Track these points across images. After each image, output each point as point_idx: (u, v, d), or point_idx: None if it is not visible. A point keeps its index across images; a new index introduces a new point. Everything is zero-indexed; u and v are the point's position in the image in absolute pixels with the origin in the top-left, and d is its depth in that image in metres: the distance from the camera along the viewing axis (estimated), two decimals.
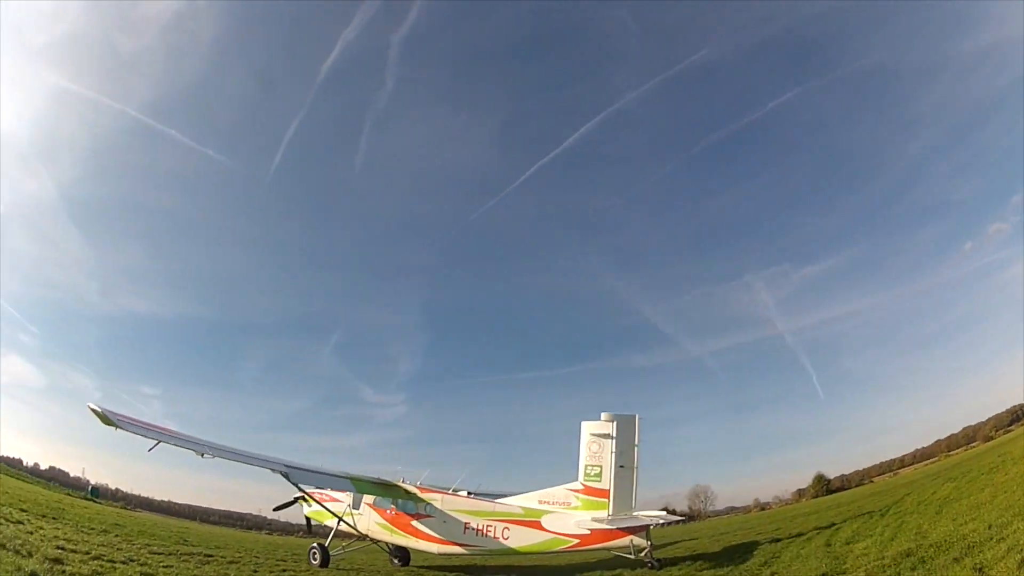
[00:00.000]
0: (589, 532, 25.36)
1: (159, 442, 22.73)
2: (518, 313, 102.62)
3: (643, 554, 25.30)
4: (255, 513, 53.94)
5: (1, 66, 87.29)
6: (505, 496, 29.07)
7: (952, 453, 73.85)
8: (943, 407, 79.13)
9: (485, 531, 27.40)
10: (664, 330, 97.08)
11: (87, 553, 22.15)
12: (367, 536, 30.78)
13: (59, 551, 20.92)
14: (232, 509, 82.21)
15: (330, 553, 28.89)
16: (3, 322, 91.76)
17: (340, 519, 30.42)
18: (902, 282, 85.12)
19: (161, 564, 23.32)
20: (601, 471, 26.37)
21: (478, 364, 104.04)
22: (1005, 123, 78.60)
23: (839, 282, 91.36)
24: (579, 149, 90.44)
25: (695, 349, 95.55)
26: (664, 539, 42.22)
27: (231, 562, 28.13)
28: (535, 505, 27.46)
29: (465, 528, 27.92)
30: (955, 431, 79.86)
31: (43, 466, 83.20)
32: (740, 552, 27.46)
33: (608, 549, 26.08)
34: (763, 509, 74.98)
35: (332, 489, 30.79)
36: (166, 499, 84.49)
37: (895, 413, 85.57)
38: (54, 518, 32.80)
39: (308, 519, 33.68)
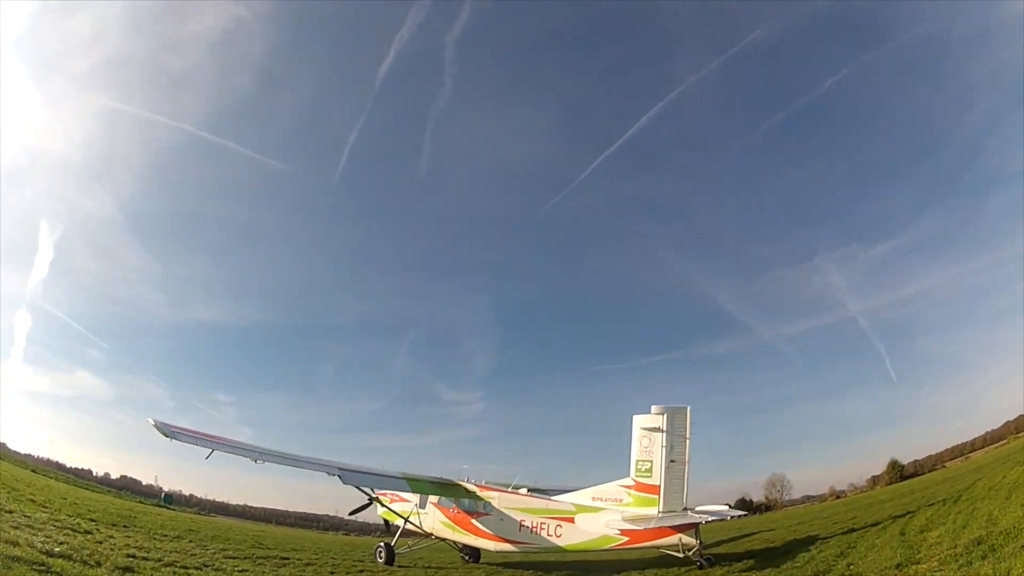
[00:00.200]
0: (638, 529, 25.08)
1: (213, 451, 24.61)
2: (591, 306, 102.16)
3: (692, 552, 24.86)
4: (332, 514, 53.28)
5: (45, 91, 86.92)
6: (567, 491, 29.07)
7: (1021, 435, 72.13)
8: (1014, 386, 75.64)
9: (538, 529, 27.79)
10: (737, 317, 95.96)
11: (159, 560, 21.90)
12: (432, 534, 32.00)
13: (130, 559, 20.62)
14: (309, 511, 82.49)
15: (396, 552, 30.18)
16: (72, 339, 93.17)
17: (406, 519, 31.72)
18: (972, 256, 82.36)
19: (236, 568, 23.35)
20: (652, 466, 26.00)
21: (553, 359, 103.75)
22: None
23: (909, 260, 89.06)
24: (643, 137, 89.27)
25: (768, 335, 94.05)
26: (741, 530, 43.95)
27: (307, 564, 28.13)
28: (588, 502, 27.49)
29: (520, 526, 28.44)
30: None
31: (114, 475, 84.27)
32: (815, 543, 27.41)
33: (657, 547, 25.67)
34: (838, 497, 74.19)
35: (395, 490, 31.62)
36: (241, 503, 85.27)
37: (966, 394, 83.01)
38: (125, 526, 32.53)
39: (385, 520, 34.40)
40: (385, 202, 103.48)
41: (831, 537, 28.30)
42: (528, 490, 30.35)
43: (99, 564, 18.06)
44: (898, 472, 72.83)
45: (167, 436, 23.92)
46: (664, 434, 25.75)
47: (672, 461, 25.47)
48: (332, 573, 25.74)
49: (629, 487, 26.25)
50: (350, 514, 34.61)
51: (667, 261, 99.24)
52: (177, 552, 25.27)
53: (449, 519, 31.22)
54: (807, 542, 28.19)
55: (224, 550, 28.82)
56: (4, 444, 77.15)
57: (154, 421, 23.98)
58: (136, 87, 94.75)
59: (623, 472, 26.42)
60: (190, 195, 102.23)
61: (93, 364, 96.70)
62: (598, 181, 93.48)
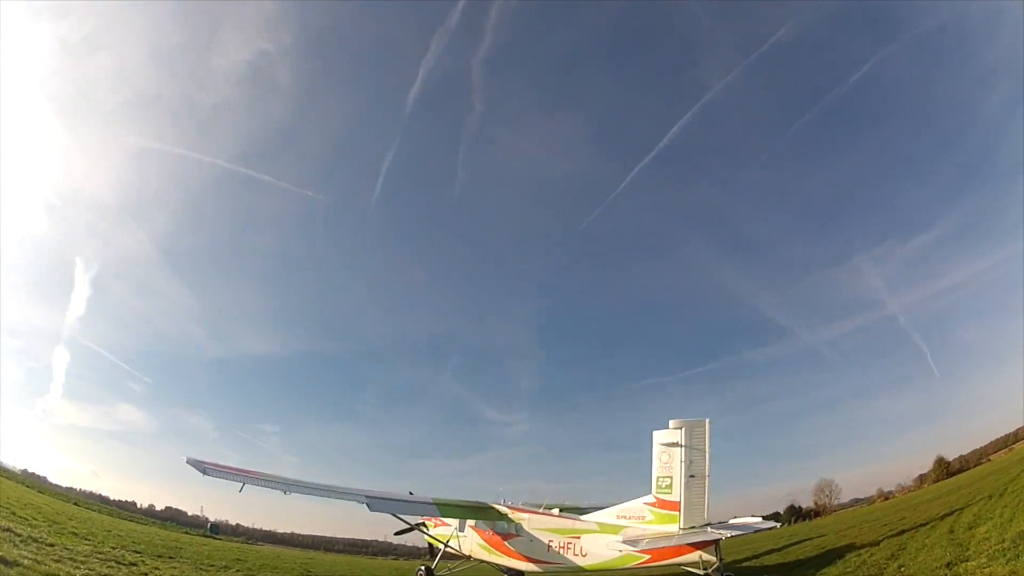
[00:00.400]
0: (658, 548, 24.69)
1: (244, 484, 24.98)
2: (634, 319, 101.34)
3: (712, 570, 24.29)
4: (380, 539, 53.52)
5: (72, 130, 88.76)
6: (600, 508, 28.81)
7: None
8: None
9: (565, 549, 27.77)
10: (779, 322, 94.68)
11: None
12: (471, 557, 32.28)
13: None
14: (357, 536, 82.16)
15: (436, 575, 31.36)
16: (113, 374, 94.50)
17: (446, 543, 32.41)
18: (1004, 243, 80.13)
19: None
20: (671, 482, 25.42)
21: (598, 374, 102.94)
22: None
23: (943, 252, 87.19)
24: (677, 146, 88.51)
25: (810, 339, 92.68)
26: (792, 538, 43.96)
27: None
28: (613, 520, 27.19)
29: (548, 547, 28.56)
30: None
31: (159, 507, 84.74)
32: (866, 546, 27.51)
33: (679, 565, 25.12)
34: (886, 498, 73.61)
35: (425, 515, 32.37)
36: (289, 531, 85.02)
37: (1007, 384, 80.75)
38: (171, 557, 32.75)
39: (429, 544, 34.87)
40: (422, 226, 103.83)
41: (881, 540, 28.16)
42: (560, 510, 30.41)
43: None
44: (944, 469, 72.02)
45: (202, 472, 24.64)
46: (683, 448, 25.27)
47: (692, 476, 24.99)
48: None
49: (651, 504, 25.97)
50: (396, 534, 35.38)
51: (708, 269, 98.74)
52: None
53: (485, 541, 31.55)
54: (858, 546, 28.22)
55: None
56: (45, 478, 78.27)
57: (188, 459, 24.66)
58: (165, 124, 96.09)
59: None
60: (227, 229, 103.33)
61: (135, 397, 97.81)
62: (634, 193, 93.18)
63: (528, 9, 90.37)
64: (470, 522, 32.12)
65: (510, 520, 30.57)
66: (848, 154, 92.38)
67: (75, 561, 22.60)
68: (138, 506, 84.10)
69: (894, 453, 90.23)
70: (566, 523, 28.72)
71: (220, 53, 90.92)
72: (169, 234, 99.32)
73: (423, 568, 32.04)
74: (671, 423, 25.82)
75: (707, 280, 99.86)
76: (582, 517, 28.55)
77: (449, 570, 32.29)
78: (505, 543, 30.57)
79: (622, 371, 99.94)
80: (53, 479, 78.61)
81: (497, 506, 31.47)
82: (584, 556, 26.95)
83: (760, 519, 29.69)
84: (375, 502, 27.42)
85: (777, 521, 78.21)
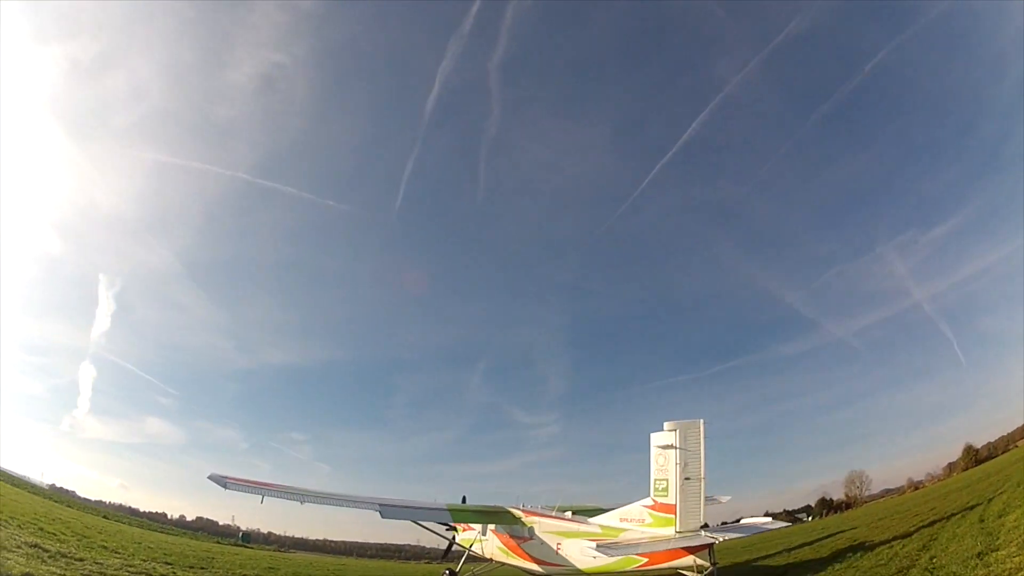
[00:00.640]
0: (655, 552, 24.78)
1: (263, 496, 26.83)
2: (661, 317, 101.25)
3: (706, 575, 24.51)
4: (412, 543, 53.77)
5: (86, 150, 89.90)
6: (613, 509, 28.84)
7: None
8: None
9: (570, 552, 28.30)
10: (806, 315, 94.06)
11: None
12: (492, 560, 33.14)
13: None
14: (389, 542, 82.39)
15: None
16: (139, 388, 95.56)
17: (470, 547, 33.94)
18: None
19: None
20: (667, 485, 25.55)
21: (627, 374, 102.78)
22: None
23: (965, 239, 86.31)
24: (695, 143, 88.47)
25: (837, 331, 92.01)
26: (824, 531, 44.43)
27: None
28: (616, 523, 27.49)
29: (556, 550, 29.15)
30: None
31: (190, 518, 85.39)
32: (897, 538, 27.50)
33: (674, 569, 25.21)
34: (916, 488, 73.17)
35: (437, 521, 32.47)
36: (321, 537, 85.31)
37: None
38: (202, 568, 33.10)
39: (449, 546, 36.77)
40: (446, 232, 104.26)
41: (913, 531, 28.34)
42: (573, 512, 30.74)
43: None
44: (973, 457, 71.77)
45: (223, 487, 26.39)
46: (677, 451, 25.37)
47: (687, 479, 25.02)
48: None
49: (650, 507, 26.06)
50: (443, 556, 38.22)
51: (732, 266, 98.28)
52: None
53: (503, 544, 32.39)
54: (889, 538, 28.29)
55: None
56: (73, 492, 79.19)
57: (210, 475, 26.64)
58: (182, 139, 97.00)
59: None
60: (250, 241, 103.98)
61: (163, 411, 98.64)
62: (655, 193, 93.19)
63: (542, 11, 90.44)
64: (491, 526, 32.86)
65: (523, 524, 31.33)
66: (865, 145, 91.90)
67: (105, 575, 22.64)
68: (168, 517, 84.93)
69: (923, 443, 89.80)
70: (573, 526, 29.30)
71: (234, 67, 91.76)
72: (191, 248, 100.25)
73: (447, 571, 33.44)
74: (665, 425, 26.03)
75: (731, 276, 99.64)
76: (590, 520, 28.87)
77: (473, 573, 33.12)
78: (520, 546, 31.37)
79: (650, 369, 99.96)
80: (82, 493, 79.71)
81: (512, 510, 32.17)
82: (586, 559, 27.25)
83: (770, 519, 30.44)
84: (387, 510, 28.27)
85: (809, 514, 78.81)
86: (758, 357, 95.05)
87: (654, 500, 25.78)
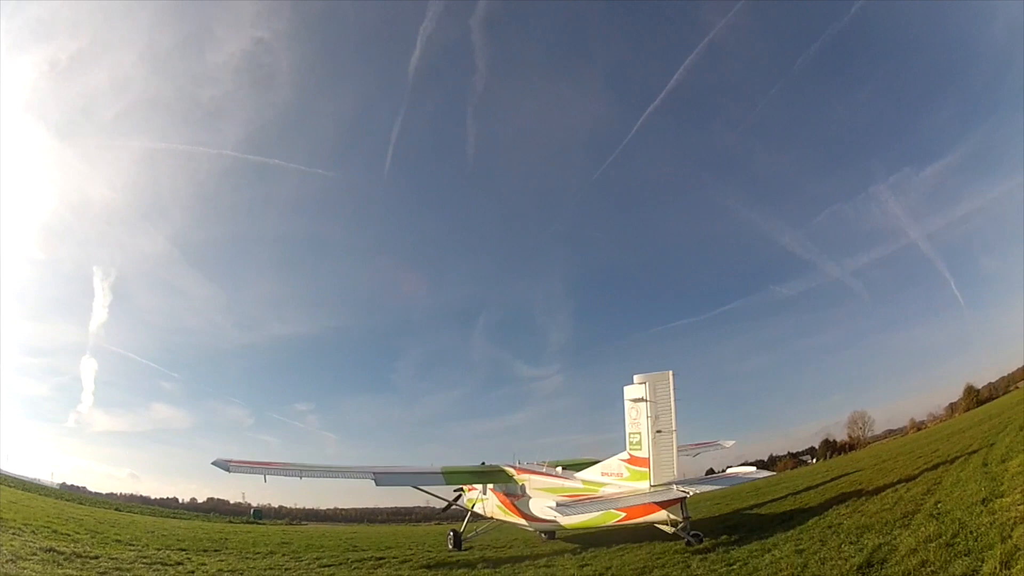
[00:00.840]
0: (632, 506, 25.25)
1: (265, 475, 28.60)
2: (659, 263, 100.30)
3: (679, 528, 24.73)
4: (423, 505, 54.27)
5: (75, 146, 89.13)
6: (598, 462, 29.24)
7: None
8: None
9: (555, 506, 27.67)
10: (803, 256, 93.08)
11: None
12: (493, 518, 34.07)
13: None
14: (400, 505, 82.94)
15: (463, 537, 33.03)
16: (142, 375, 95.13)
17: (473, 506, 34.94)
18: (1020, 169, 78.90)
19: None
20: (641, 438, 25.71)
21: (628, 321, 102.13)
22: None
23: (961, 178, 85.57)
24: (684, 88, 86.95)
25: (835, 271, 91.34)
26: (828, 473, 45.66)
27: (403, 561, 28.96)
28: (598, 478, 28.01)
29: (545, 505, 29.18)
30: None
31: (201, 499, 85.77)
32: (902, 482, 28.00)
33: (650, 523, 25.63)
34: (919, 429, 74.24)
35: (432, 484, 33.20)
36: (332, 507, 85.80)
37: None
38: (216, 550, 33.16)
39: (448, 505, 37.96)
40: (437, 192, 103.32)
41: (918, 474, 28.76)
42: (563, 468, 31.25)
43: None
44: (974, 397, 72.47)
45: (226, 470, 28.04)
46: (648, 404, 25.35)
47: (659, 432, 25.07)
48: (428, 568, 26.35)
49: (626, 461, 26.30)
50: (442, 511, 39.04)
51: (727, 209, 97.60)
52: (272, 569, 26.27)
53: (500, 502, 33.24)
54: (894, 481, 28.66)
55: (319, 559, 29.76)
56: (84, 488, 79.68)
57: (213, 461, 28.17)
58: (168, 124, 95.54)
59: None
60: (243, 217, 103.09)
61: (168, 396, 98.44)
62: (647, 139, 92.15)
63: None
64: (490, 485, 33.66)
65: (516, 481, 32.12)
66: (857, 84, 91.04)
67: (121, 570, 22.73)
68: (180, 502, 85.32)
69: (924, 383, 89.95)
70: (558, 482, 29.90)
71: (215, 48, 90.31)
72: (185, 230, 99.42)
73: (452, 531, 33.72)
74: (635, 378, 26.03)
75: (725, 219, 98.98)
76: (576, 475, 29.37)
77: (476, 532, 33.99)
78: (514, 503, 32.16)
79: (650, 315, 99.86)
80: (92, 488, 79.92)
81: (506, 468, 32.96)
82: (569, 515, 27.11)
83: (753, 469, 30.65)
84: (382, 477, 29.55)
85: (813, 456, 79.64)
86: (756, 299, 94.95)
87: (630, 454, 26.10)
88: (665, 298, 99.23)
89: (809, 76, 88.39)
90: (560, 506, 26.00)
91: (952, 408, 74.70)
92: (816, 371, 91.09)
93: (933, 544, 15.35)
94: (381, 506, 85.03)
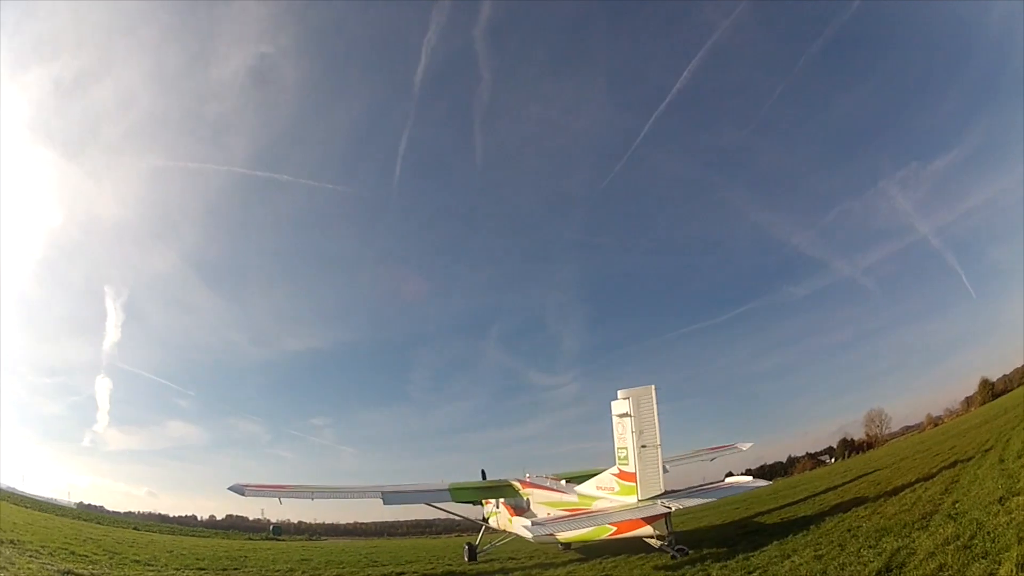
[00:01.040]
0: (622, 521, 25.50)
1: (280, 498, 29.29)
2: (671, 266, 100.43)
3: (663, 544, 25.01)
4: (443, 518, 54.55)
5: (81, 164, 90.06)
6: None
7: None
8: None
9: (576, 518, 27.96)
10: (814, 256, 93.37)
11: None
12: (506, 531, 34.51)
13: None
14: (420, 518, 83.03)
15: (479, 550, 33.71)
16: (157, 393, 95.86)
17: (487, 519, 35.86)
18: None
19: None
20: (628, 453, 25.87)
21: (642, 326, 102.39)
22: None
23: (967, 171, 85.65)
24: (690, 90, 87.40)
25: (847, 269, 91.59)
26: (847, 474, 45.70)
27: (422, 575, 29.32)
28: (593, 492, 28.18)
29: (546, 519, 29.68)
30: None
31: (219, 517, 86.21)
32: (920, 481, 28.00)
33: (638, 537, 25.93)
34: (936, 425, 74.50)
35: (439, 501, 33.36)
36: (351, 521, 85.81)
37: None
38: (236, 568, 33.35)
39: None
40: (447, 203, 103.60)
41: (936, 473, 28.81)
42: (568, 480, 31.67)
43: None
44: (989, 391, 72.43)
45: (241, 495, 28.80)
46: (632, 419, 25.53)
47: (643, 447, 25.23)
48: None
49: (616, 475, 26.46)
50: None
51: (737, 210, 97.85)
52: None
53: (510, 515, 33.71)
54: (912, 481, 28.75)
55: (339, 575, 30.02)
56: (102, 507, 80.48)
57: (229, 487, 29.06)
58: (175, 141, 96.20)
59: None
60: (254, 233, 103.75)
61: (184, 413, 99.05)
62: (656, 142, 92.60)
63: None
64: (502, 499, 34.22)
65: (521, 495, 32.65)
66: (860, 81, 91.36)
67: None
68: (199, 519, 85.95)
69: (940, 378, 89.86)
70: (557, 496, 30.31)
71: (219, 64, 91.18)
72: (196, 247, 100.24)
73: (467, 544, 34.37)
74: (619, 393, 26.23)
75: (736, 221, 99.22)
76: (576, 488, 29.53)
77: (491, 544, 34.40)
78: (520, 517, 32.42)
79: (665, 320, 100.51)
80: (110, 507, 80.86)
81: (513, 483, 33.51)
82: (567, 529, 27.84)
83: (751, 478, 31.31)
84: (390, 496, 29.80)
85: (831, 456, 79.45)
86: (769, 300, 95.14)
87: (619, 468, 26.32)
88: (679, 302, 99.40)
89: (813, 74, 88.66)
90: (535, 525, 26.85)
91: (968, 402, 74.76)
92: (831, 370, 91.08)
93: (951, 547, 15.39)
94: (401, 519, 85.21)
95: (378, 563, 35.39)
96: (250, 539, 67.99)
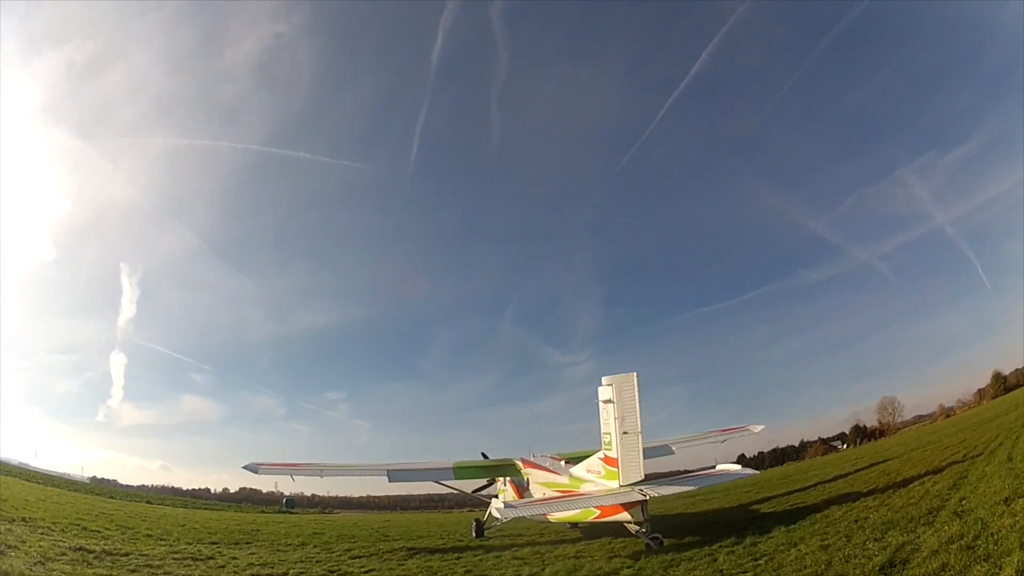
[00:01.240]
0: (605, 505, 26.10)
1: (291, 475, 31.56)
2: (687, 248, 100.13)
3: (638, 532, 25.54)
4: (455, 492, 55.09)
5: (96, 146, 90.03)
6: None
7: None
8: None
9: (568, 498, 28.69)
10: (831, 241, 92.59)
11: (284, 575, 23.23)
12: None
13: None
14: (433, 492, 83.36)
15: (485, 526, 33.94)
16: (172, 368, 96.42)
17: (495, 496, 36.10)
18: None
19: (363, 570, 24.33)
20: (611, 439, 26.26)
21: (657, 307, 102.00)
22: None
23: (983, 162, 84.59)
24: (705, 76, 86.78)
25: (863, 256, 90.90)
26: (858, 462, 45.71)
27: (433, 551, 29.18)
28: (583, 474, 28.66)
29: (564, 495, 29.73)
30: None
31: (233, 490, 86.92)
32: (928, 474, 28.22)
33: (619, 522, 26.43)
34: (948, 416, 74.75)
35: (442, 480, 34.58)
36: (365, 494, 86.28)
37: None
38: (247, 543, 33.53)
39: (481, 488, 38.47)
40: (464, 182, 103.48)
41: (944, 467, 29.01)
42: (569, 460, 31.76)
43: None
44: (1001, 384, 72.47)
45: (255, 472, 30.76)
46: (615, 405, 25.87)
47: (625, 433, 25.56)
48: (459, 557, 26.40)
49: (603, 460, 26.86)
50: (473, 492, 38.57)
51: (752, 195, 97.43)
52: (302, 562, 26.28)
53: (514, 494, 34.13)
54: (921, 474, 28.99)
55: (350, 550, 30.04)
56: (115, 481, 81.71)
57: (244, 465, 30.94)
58: (190, 121, 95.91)
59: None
60: (270, 210, 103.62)
61: (198, 387, 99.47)
62: (671, 127, 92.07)
63: None
64: (507, 478, 34.92)
65: (523, 475, 33.26)
66: (876, 69, 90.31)
67: (151, 567, 22.91)
68: (212, 492, 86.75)
69: (953, 368, 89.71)
70: (552, 477, 30.82)
71: (234, 45, 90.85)
72: (211, 225, 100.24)
73: (475, 520, 34.65)
74: (603, 379, 26.68)
75: (751, 205, 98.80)
76: (572, 470, 29.85)
77: (499, 520, 33.84)
78: (522, 496, 33.02)
79: (680, 302, 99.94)
80: (124, 481, 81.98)
81: (517, 462, 34.05)
82: (558, 510, 28.29)
83: (739, 467, 31.23)
84: (395, 474, 31.13)
85: (843, 442, 79.55)
86: (784, 284, 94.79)
87: (604, 454, 26.72)
88: (694, 284, 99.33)
89: (829, 62, 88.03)
90: (506, 507, 27.25)
91: (980, 394, 75.03)
92: (845, 356, 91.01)
93: (955, 546, 15.66)
94: (414, 493, 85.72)
95: (390, 538, 35.97)
96: (263, 512, 68.97)
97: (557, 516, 29.17)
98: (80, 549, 24.88)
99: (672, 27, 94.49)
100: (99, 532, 31.57)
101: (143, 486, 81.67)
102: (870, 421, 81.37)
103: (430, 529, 41.43)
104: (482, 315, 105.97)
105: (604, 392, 26.34)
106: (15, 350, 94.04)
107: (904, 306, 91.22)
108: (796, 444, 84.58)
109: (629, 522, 25.66)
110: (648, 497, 24.78)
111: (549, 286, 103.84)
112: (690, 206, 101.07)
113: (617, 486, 25.52)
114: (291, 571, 23.27)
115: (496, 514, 28.02)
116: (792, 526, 23.43)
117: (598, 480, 27.05)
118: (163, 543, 30.56)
